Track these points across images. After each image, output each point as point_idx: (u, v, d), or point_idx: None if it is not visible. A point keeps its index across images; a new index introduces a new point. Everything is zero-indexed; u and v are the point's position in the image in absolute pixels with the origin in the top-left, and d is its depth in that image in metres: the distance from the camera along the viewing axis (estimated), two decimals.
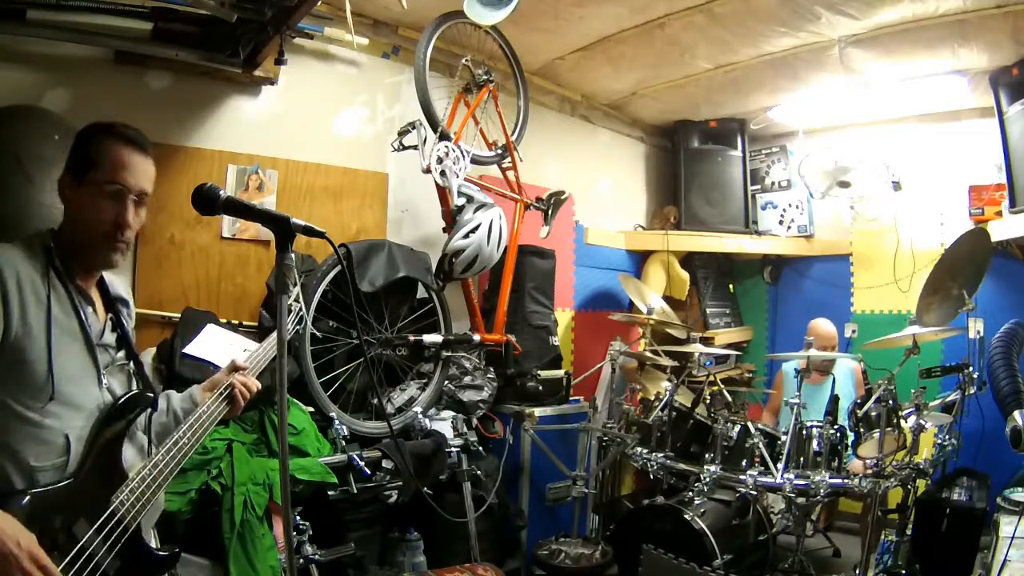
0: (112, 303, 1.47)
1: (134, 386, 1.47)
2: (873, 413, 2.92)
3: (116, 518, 1.27)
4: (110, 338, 1.43)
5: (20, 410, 1.24)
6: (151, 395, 1.46)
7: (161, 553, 1.39)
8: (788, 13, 3.33)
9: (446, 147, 3.01)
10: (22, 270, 1.28)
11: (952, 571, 2.77)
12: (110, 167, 1.36)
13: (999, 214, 3.99)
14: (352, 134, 3.38)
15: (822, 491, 2.87)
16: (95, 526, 1.23)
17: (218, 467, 2.12)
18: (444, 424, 3.05)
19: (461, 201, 3.06)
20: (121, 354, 1.45)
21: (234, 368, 1.63)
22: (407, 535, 2.84)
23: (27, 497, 1.18)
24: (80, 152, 1.38)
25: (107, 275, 1.49)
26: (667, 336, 4.43)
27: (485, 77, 3.37)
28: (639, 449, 3.35)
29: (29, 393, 1.25)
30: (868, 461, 2.95)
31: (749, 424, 3.22)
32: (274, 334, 1.73)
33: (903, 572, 2.89)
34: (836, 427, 3.07)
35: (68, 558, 1.17)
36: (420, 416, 2.95)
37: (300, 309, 1.97)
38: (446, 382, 3.21)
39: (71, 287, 1.35)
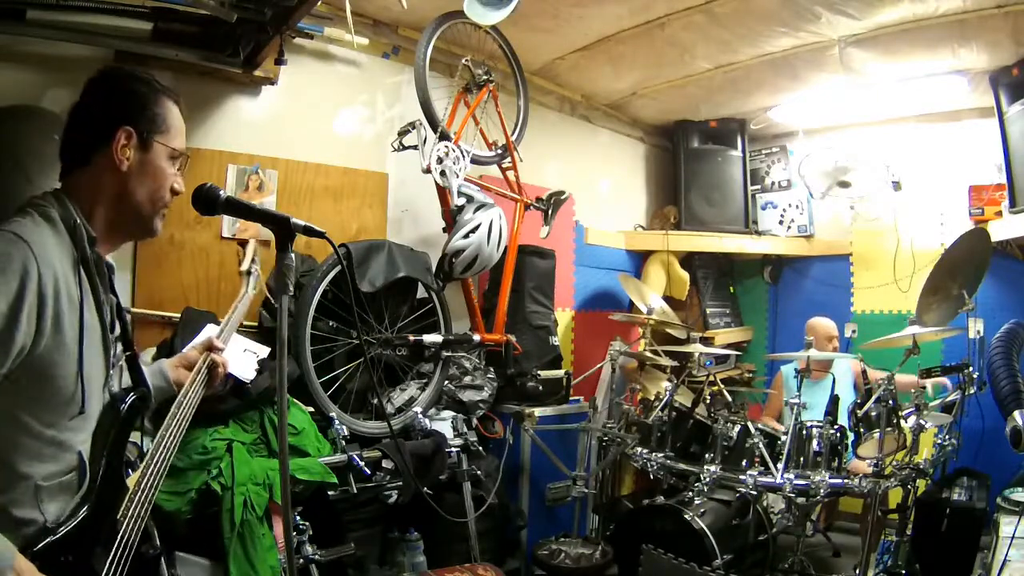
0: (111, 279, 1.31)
1: (127, 382, 1.36)
2: (873, 413, 2.93)
3: (125, 539, 1.19)
4: (116, 328, 1.30)
5: (37, 428, 1.11)
6: (147, 391, 1.38)
7: (150, 553, 1.32)
8: (788, 13, 3.33)
9: (446, 147, 3.01)
10: (59, 266, 1.12)
11: (952, 571, 2.77)
12: (177, 135, 1.29)
13: (999, 214, 3.99)
14: (352, 134, 3.38)
15: (822, 491, 2.88)
16: (110, 557, 1.15)
17: (218, 467, 2.12)
18: (444, 424, 3.05)
19: (461, 201, 3.06)
20: (120, 348, 1.33)
21: (210, 346, 1.56)
22: (407, 535, 2.84)
23: (47, 538, 1.09)
24: (150, 110, 1.25)
25: None
26: (667, 336, 4.43)
27: (485, 77, 3.36)
28: (639, 449, 3.35)
29: (52, 409, 1.12)
30: (868, 461, 2.95)
31: (749, 424, 3.22)
32: (235, 309, 1.75)
33: (903, 572, 2.89)
34: (836, 427, 3.07)
35: None
36: (420, 416, 2.94)
37: (256, 270, 2.03)
38: (446, 382, 3.21)
39: (99, 278, 1.21)
